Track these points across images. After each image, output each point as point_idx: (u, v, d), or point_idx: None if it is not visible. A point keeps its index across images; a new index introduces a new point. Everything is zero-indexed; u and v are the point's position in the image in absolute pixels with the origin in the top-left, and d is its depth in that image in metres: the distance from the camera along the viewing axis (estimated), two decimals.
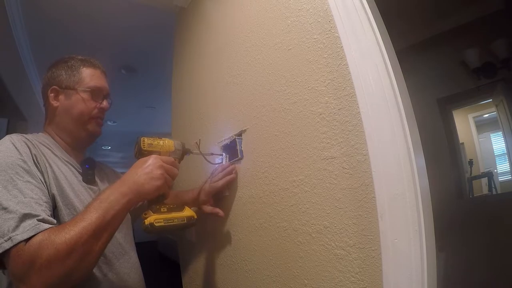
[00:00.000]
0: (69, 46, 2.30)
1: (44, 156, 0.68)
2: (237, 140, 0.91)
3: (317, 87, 0.65)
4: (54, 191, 0.64)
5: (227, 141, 0.97)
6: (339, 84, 0.60)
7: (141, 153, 0.73)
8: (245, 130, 0.89)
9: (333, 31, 0.62)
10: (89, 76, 0.81)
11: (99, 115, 0.83)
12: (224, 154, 0.97)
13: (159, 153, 0.74)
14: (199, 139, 0.93)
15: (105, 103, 0.84)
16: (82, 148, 0.85)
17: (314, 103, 0.66)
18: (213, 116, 1.08)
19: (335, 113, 0.61)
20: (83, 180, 0.76)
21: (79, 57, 0.84)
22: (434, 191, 0.53)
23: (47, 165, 0.67)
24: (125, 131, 4.90)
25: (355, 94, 0.56)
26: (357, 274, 0.55)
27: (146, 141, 0.73)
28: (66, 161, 0.75)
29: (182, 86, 1.38)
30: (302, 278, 0.67)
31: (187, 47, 1.35)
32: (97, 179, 0.82)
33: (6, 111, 2.41)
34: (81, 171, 0.78)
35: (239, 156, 0.90)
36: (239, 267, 0.89)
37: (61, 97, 0.79)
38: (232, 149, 0.93)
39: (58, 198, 0.64)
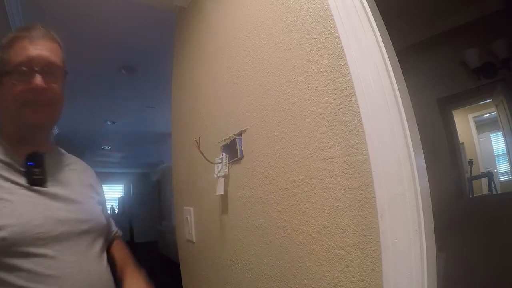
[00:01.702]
0: (69, 46, 2.30)
1: None
2: (237, 140, 0.91)
3: (317, 87, 0.65)
4: None
5: (227, 141, 0.97)
6: (339, 84, 0.60)
7: None
8: (245, 130, 0.89)
9: (333, 31, 0.62)
10: (16, 52, 0.63)
11: (32, 97, 0.62)
12: (224, 154, 0.97)
13: None
14: (199, 137, 0.93)
15: (36, 81, 0.61)
16: (32, 142, 0.68)
17: (314, 103, 0.66)
18: (213, 116, 1.08)
19: (335, 113, 0.61)
20: (28, 182, 0.61)
21: (14, 31, 0.67)
22: (434, 191, 0.53)
23: None
24: (125, 131, 4.90)
25: (355, 94, 0.56)
26: (357, 274, 0.55)
27: None
28: (5, 163, 0.61)
29: (182, 86, 1.38)
30: (302, 278, 0.67)
31: (187, 47, 1.35)
32: (50, 178, 0.65)
33: None
34: (24, 170, 0.62)
35: (239, 156, 0.90)
36: (239, 267, 0.89)
37: None
38: (232, 149, 0.94)
39: None
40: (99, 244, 0.68)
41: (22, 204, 0.58)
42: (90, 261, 0.64)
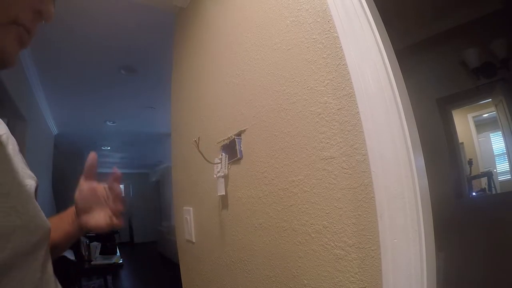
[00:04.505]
0: (69, 46, 2.30)
1: None
2: (236, 140, 0.91)
3: (316, 87, 0.65)
4: None
5: (226, 141, 0.97)
6: (338, 84, 0.60)
7: None
8: (244, 130, 0.89)
9: (332, 31, 0.62)
10: None
11: (31, 23, 0.38)
12: (223, 154, 0.97)
13: None
14: (198, 137, 0.93)
15: (52, 9, 0.40)
16: None
17: (313, 103, 0.66)
18: (213, 116, 1.08)
19: (334, 113, 0.61)
20: None
21: None
22: (433, 190, 0.53)
23: None
24: (124, 131, 4.90)
25: (354, 94, 0.56)
26: (356, 274, 0.55)
27: None
28: None
29: (182, 86, 1.38)
30: (301, 278, 0.67)
31: (186, 48, 1.35)
32: None
33: (6, 112, 2.41)
34: None
35: (238, 156, 0.90)
36: (238, 267, 0.89)
37: None
38: (231, 149, 0.94)
39: None
40: (50, 262, 0.43)
41: None
42: None
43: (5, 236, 0.31)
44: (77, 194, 0.55)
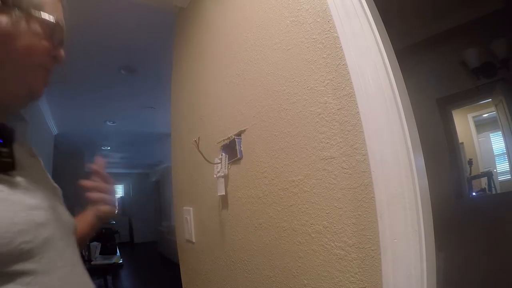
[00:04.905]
0: (68, 46, 2.30)
1: None
2: (236, 140, 0.91)
3: (316, 87, 0.65)
4: None
5: (227, 141, 0.97)
6: (338, 84, 0.60)
7: None
8: (244, 130, 0.89)
9: (332, 31, 0.62)
10: (50, 3, 0.51)
11: (51, 65, 0.53)
12: (223, 154, 0.97)
13: None
14: (198, 137, 0.93)
15: (63, 53, 0.55)
16: (4, 110, 0.51)
17: (313, 103, 0.66)
18: (213, 116, 1.08)
19: (334, 113, 0.61)
20: None
21: None
22: (433, 190, 0.53)
23: None
24: (124, 131, 4.90)
25: (354, 94, 0.56)
26: (356, 274, 0.55)
27: None
28: None
29: (182, 86, 1.38)
30: (301, 278, 0.67)
31: (186, 48, 1.35)
32: (19, 163, 0.46)
33: None
34: None
35: (239, 156, 0.90)
36: (238, 267, 0.89)
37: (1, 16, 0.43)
38: (231, 149, 0.94)
39: None
40: (78, 252, 0.55)
41: None
42: (81, 270, 0.53)
43: (44, 224, 0.45)
44: (90, 192, 0.69)
